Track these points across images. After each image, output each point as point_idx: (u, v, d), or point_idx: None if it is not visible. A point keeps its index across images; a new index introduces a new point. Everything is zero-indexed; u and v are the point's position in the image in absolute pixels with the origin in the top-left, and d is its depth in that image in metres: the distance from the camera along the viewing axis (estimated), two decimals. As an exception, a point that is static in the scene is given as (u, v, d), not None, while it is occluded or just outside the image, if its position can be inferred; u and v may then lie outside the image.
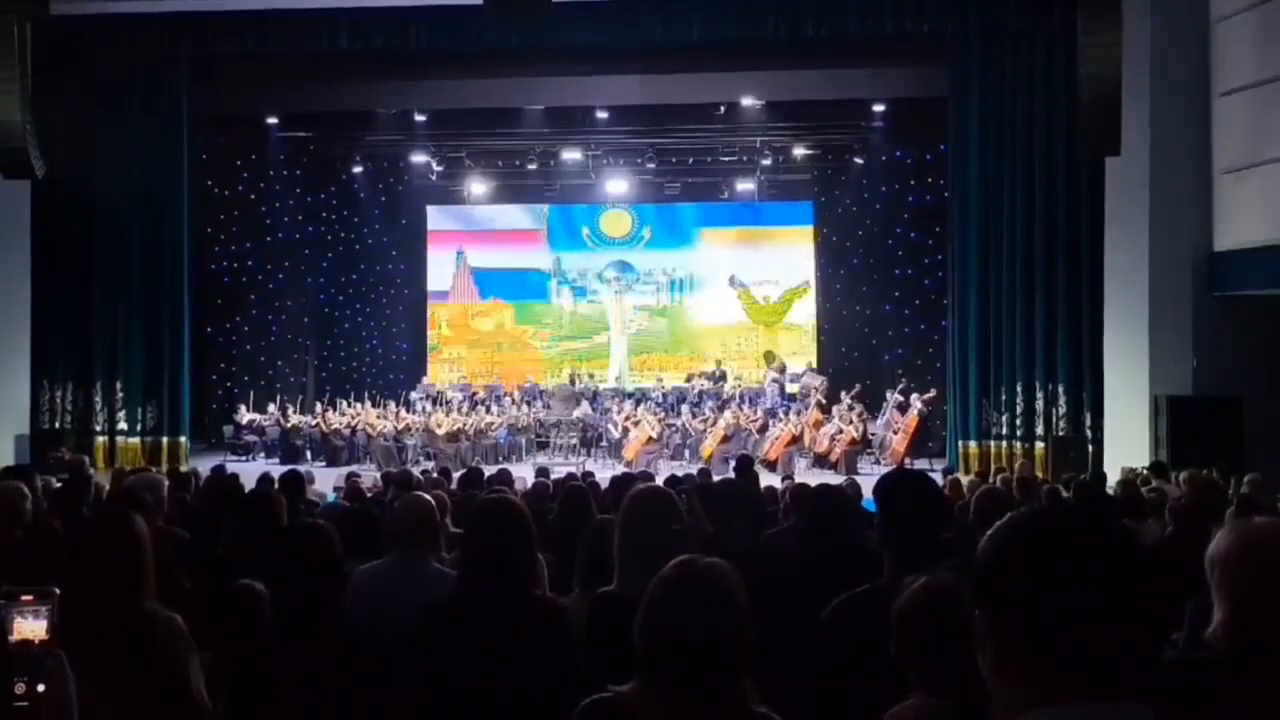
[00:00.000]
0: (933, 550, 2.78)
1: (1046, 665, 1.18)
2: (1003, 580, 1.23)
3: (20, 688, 1.51)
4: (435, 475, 9.32)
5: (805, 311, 20.12)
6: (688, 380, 19.14)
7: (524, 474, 10.70)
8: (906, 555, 2.75)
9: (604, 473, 11.21)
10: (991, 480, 9.36)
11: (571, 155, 18.69)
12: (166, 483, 5.73)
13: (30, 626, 1.56)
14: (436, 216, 20.72)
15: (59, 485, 6.98)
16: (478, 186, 19.54)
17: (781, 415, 16.78)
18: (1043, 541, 1.23)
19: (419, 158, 19.19)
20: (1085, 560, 1.20)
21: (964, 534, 4.60)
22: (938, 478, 11.28)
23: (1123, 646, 1.18)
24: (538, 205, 20.29)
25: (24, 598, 1.57)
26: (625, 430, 16.40)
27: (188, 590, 3.69)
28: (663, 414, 17.06)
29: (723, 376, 19.10)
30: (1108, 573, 1.20)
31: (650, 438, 15.96)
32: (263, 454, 16.99)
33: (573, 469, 12.43)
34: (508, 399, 18.60)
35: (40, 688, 1.51)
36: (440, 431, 16.49)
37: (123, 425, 15.19)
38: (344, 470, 13.10)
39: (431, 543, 3.69)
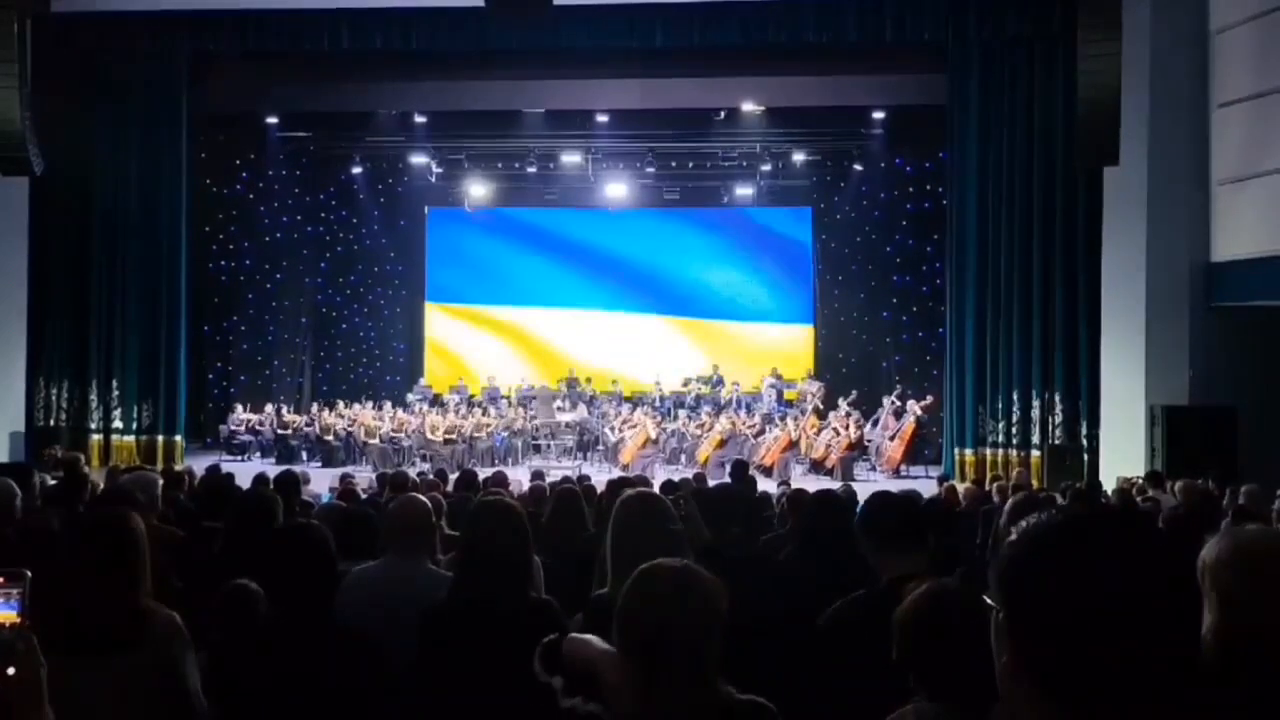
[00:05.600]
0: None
1: (1064, 675, 1.13)
2: (1025, 584, 1.17)
3: None
4: (431, 477, 9.30)
5: (802, 318, 20.15)
6: (685, 385, 19.15)
7: (520, 477, 10.69)
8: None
9: (600, 476, 11.21)
10: (987, 488, 9.35)
11: (571, 159, 18.70)
12: (161, 481, 5.72)
13: (1, 610, 1.55)
14: (435, 218, 20.74)
15: (54, 483, 6.97)
16: (476, 189, 19.55)
17: (778, 420, 16.80)
18: (1074, 547, 1.16)
19: (418, 159, 19.20)
20: (1117, 570, 1.13)
21: (965, 539, 4.61)
22: (933, 485, 11.34)
23: (1147, 662, 1.12)
24: (536, 209, 20.29)
25: None
26: (621, 434, 16.41)
27: (180, 590, 3.69)
28: (659, 418, 17.07)
29: (720, 381, 19.11)
30: (1140, 584, 1.13)
31: (648, 440, 15.97)
32: (258, 454, 16.98)
33: (568, 472, 12.43)
34: (504, 401, 18.60)
35: (10, 671, 1.50)
36: (436, 433, 16.49)
37: (118, 424, 15.18)
38: (339, 471, 13.09)
39: (426, 544, 3.68)
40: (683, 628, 1.94)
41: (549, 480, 8.99)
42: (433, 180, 19.61)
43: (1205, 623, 1.97)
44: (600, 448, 16.88)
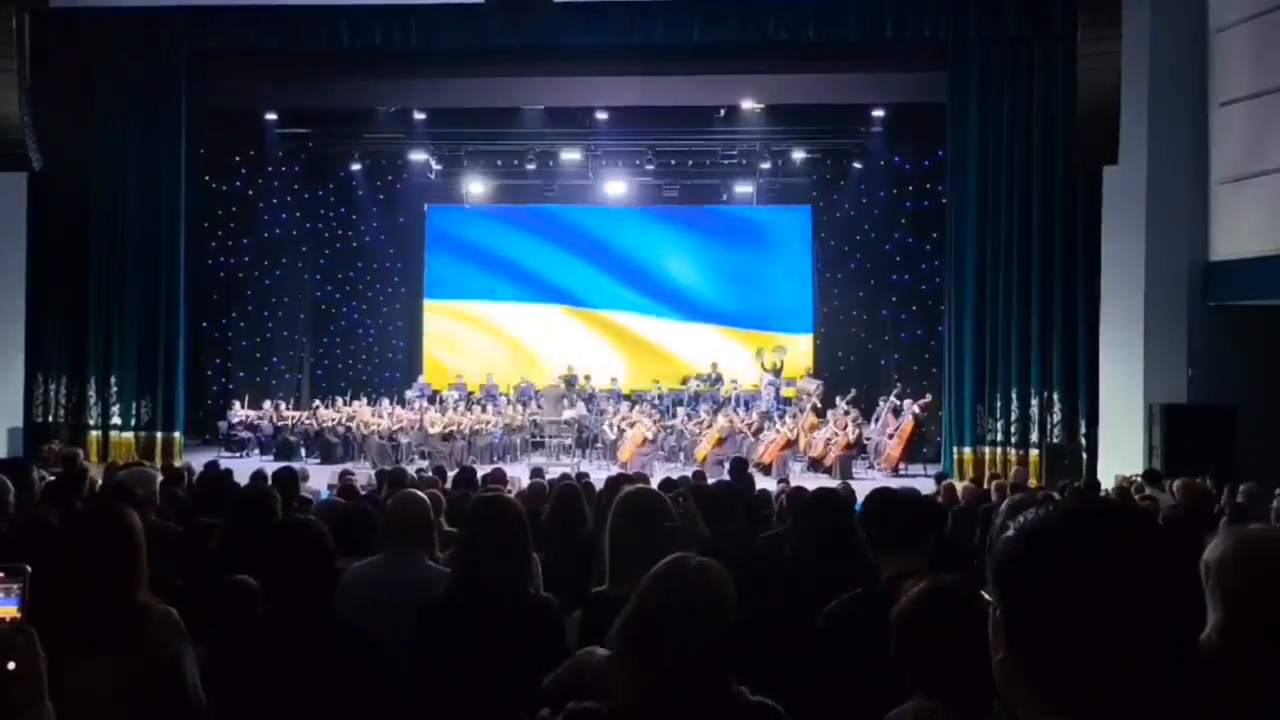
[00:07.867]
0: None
1: (1061, 671, 1.12)
2: (1022, 579, 1.15)
3: None
4: (430, 474, 9.30)
5: (801, 316, 20.13)
6: (684, 383, 19.14)
7: (519, 474, 10.69)
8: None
9: (599, 474, 11.20)
10: (986, 486, 9.35)
11: (570, 156, 18.69)
12: (159, 478, 5.72)
13: (0, 605, 1.55)
14: (435, 215, 20.72)
15: (53, 479, 6.96)
16: (476, 186, 19.54)
17: (776, 419, 16.79)
18: (1071, 542, 1.14)
19: (418, 156, 19.18)
20: (1114, 565, 1.12)
21: (964, 538, 4.61)
22: (931, 483, 11.33)
23: (1144, 658, 1.11)
24: (536, 206, 20.28)
25: None
26: (620, 431, 16.40)
27: (180, 586, 3.69)
28: (658, 416, 17.06)
29: (719, 379, 19.10)
30: (1137, 580, 1.12)
31: (645, 439, 15.96)
32: (257, 450, 16.98)
33: (567, 470, 12.42)
34: (503, 399, 18.59)
35: (10, 665, 1.50)
36: (435, 430, 16.48)
37: (116, 420, 15.15)
38: (338, 468, 13.08)
39: (425, 540, 3.68)
40: (704, 626, 1.91)
41: (547, 478, 8.97)
42: (432, 177, 19.60)
43: (1210, 621, 1.97)
44: (599, 445, 16.87)
